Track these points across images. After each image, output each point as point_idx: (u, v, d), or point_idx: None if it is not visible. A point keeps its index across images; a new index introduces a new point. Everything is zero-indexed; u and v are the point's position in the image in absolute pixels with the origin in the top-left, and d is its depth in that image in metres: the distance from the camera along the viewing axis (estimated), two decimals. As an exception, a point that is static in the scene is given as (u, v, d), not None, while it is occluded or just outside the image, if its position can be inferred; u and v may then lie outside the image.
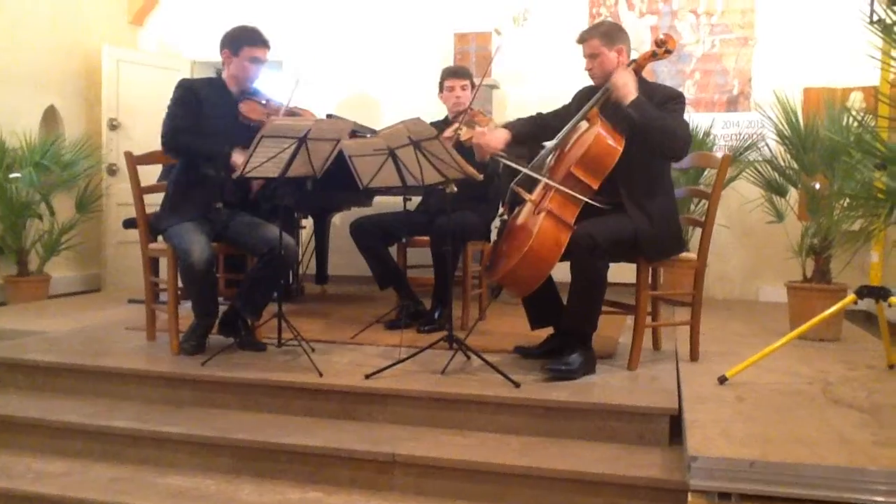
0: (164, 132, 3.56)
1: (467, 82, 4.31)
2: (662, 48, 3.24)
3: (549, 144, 3.39)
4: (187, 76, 6.55)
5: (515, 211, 3.40)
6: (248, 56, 3.64)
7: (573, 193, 3.09)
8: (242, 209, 3.70)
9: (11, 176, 5.39)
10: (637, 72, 3.24)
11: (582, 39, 3.32)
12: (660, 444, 2.72)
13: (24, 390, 3.47)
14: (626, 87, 3.09)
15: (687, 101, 3.41)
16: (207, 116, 3.60)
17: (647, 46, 3.34)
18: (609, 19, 6.00)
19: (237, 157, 3.47)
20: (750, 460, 2.19)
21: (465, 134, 3.79)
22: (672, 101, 3.20)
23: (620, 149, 3.08)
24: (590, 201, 3.10)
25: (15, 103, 5.72)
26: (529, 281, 3.09)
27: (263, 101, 3.74)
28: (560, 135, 3.32)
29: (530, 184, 3.31)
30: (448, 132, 3.82)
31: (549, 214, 3.05)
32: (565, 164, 3.16)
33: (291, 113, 3.71)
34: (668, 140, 3.07)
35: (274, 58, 3.97)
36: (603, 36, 3.27)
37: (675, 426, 2.73)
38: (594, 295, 3.12)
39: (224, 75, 3.74)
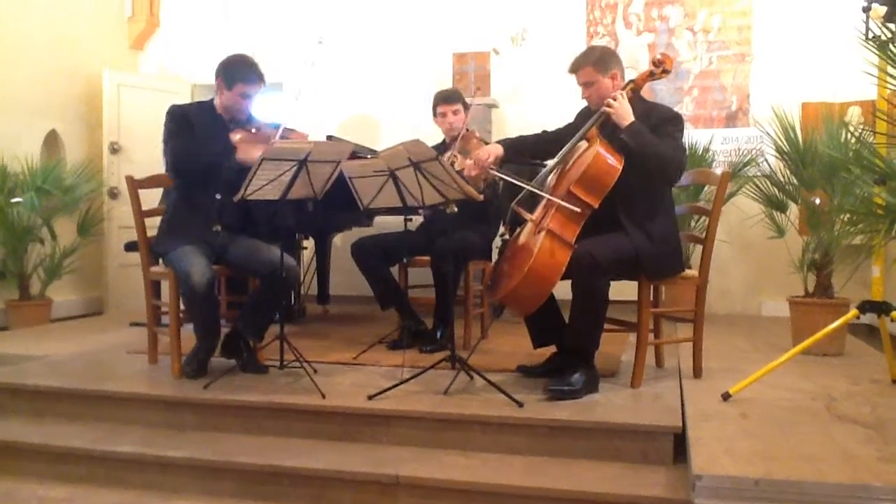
0: (170, 160, 3.58)
1: (458, 106, 4.33)
2: (660, 68, 3.29)
3: (549, 164, 3.41)
4: (187, 99, 6.60)
5: (517, 231, 3.41)
6: (240, 91, 3.64)
7: (574, 209, 3.10)
8: (242, 231, 3.71)
9: (13, 200, 5.41)
10: (635, 91, 3.27)
11: (575, 69, 3.33)
12: (664, 463, 2.71)
13: (26, 415, 3.46)
14: (621, 113, 3.12)
15: (686, 118, 3.44)
16: (200, 141, 3.61)
17: (645, 64, 3.37)
18: (604, 42, 6.05)
19: (234, 135, 3.52)
20: (755, 478, 2.19)
21: (459, 164, 3.81)
22: (668, 123, 3.21)
23: (620, 167, 3.09)
24: None
25: (16, 128, 5.75)
26: (531, 300, 3.09)
27: (254, 129, 3.71)
28: (560, 154, 3.33)
29: (531, 204, 3.32)
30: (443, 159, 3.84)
31: (550, 233, 3.06)
32: (565, 183, 3.17)
33: (285, 137, 3.68)
34: (662, 165, 3.10)
35: (274, 80, 3.98)
36: (595, 63, 3.28)
37: (679, 444, 2.72)
38: (596, 313, 3.12)
39: (216, 101, 3.75)
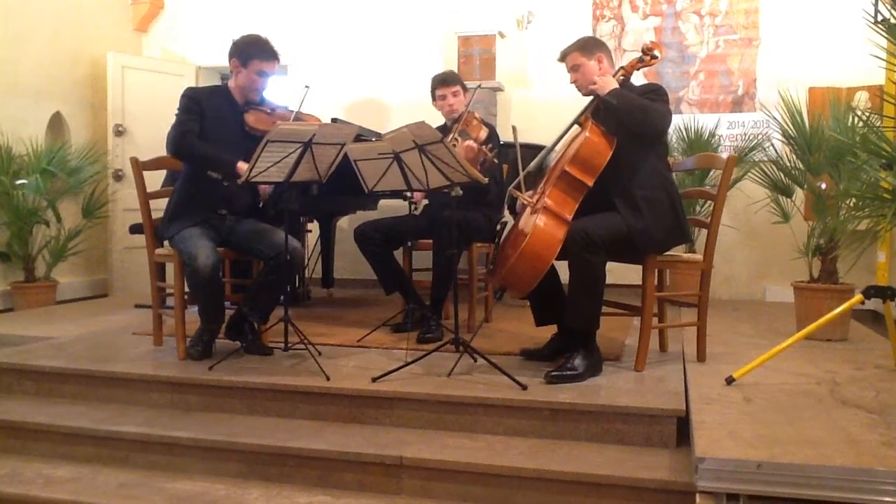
0: (173, 136, 3.54)
1: (458, 88, 4.29)
2: (649, 55, 3.39)
3: (545, 147, 3.46)
4: (192, 81, 6.59)
5: (517, 216, 3.43)
6: (256, 69, 3.64)
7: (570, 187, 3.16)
8: (249, 216, 3.71)
9: (18, 182, 5.42)
10: (626, 77, 3.36)
11: (563, 56, 3.48)
12: (667, 446, 2.72)
13: (32, 396, 3.49)
14: (604, 84, 3.23)
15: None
16: (211, 126, 3.60)
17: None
18: (610, 25, 6.01)
19: (243, 165, 3.47)
20: (757, 461, 2.19)
21: (458, 146, 3.80)
22: (650, 92, 3.29)
23: (612, 148, 3.17)
24: None
25: (21, 111, 5.75)
26: (528, 278, 3.09)
27: (269, 110, 3.74)
28: (556, 139, 3.41)
29: (528, 187, 3.35)
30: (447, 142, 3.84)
31: (546, 211, 3.10)
32: (560, 164, 3.23)
33: (297, 119, 3.72)
34: (646, 113, 3.14)
35: (280, 62, 3.96)
36: (581, 48, 3.42)
37: (682, 428, 2.73)
38: (593, 290, 3.12)
39: (230, 84, 3.74)
